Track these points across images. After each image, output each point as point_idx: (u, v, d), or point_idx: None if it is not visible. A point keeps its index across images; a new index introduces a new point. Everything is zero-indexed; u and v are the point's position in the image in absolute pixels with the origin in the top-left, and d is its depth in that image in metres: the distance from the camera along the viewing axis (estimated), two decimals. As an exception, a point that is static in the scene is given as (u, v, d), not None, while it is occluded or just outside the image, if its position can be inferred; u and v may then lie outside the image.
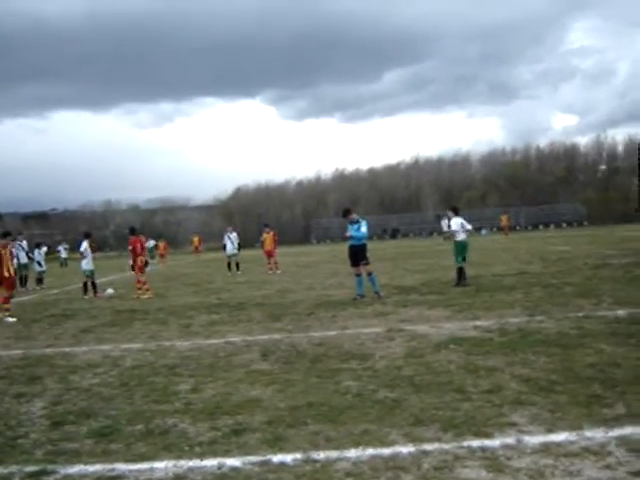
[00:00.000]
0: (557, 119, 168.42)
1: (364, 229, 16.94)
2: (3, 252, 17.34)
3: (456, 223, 18.68)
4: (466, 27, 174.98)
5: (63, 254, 52.50)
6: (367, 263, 16.89)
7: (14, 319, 16.57)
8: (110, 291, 21.91)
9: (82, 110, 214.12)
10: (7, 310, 17.11)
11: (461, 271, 18.23)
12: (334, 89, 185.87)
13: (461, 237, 18.52)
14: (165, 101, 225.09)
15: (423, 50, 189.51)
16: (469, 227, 18.87)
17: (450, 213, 19.92)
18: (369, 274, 16.84)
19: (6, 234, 18.25)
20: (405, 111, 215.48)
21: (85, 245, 23.63)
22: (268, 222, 37.27)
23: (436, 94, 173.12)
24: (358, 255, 16.90)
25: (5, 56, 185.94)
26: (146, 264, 22.87)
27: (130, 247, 22.30)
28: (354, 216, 17.17)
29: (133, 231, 23.08)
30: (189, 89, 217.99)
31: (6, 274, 17.32)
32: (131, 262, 22.53)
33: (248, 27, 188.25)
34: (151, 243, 61.01)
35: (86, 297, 22.23)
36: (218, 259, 43.42)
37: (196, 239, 60.09)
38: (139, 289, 21.46)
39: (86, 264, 23.16)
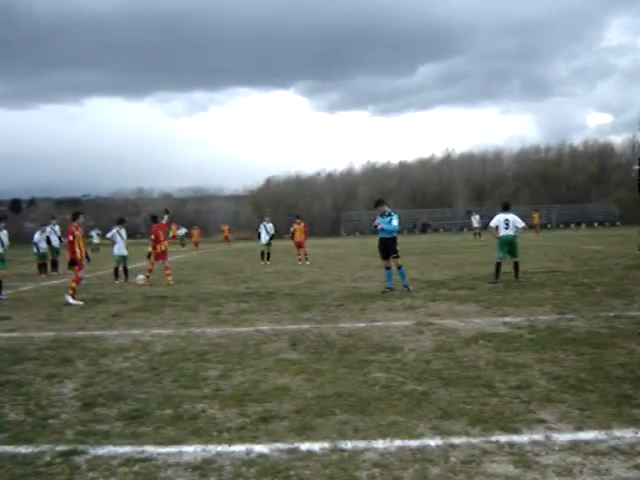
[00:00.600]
0: (592, 117, 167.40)
1: (395, 222, 16.86)
2: (77, 233, 17.54)
3: (497, 220, 18.53)
4: (502, 21, 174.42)
5: (95, 239, 52.90)
6: (397, 256, 16.84)
7: (80, 303, 16.62)
8: (141, 277, 22.03)
9: (116, 97, 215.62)
10: (73, 290, 17.14)
11: (498, 267, 18.10)
12: (368, 82, 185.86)
13: (503, 233, 18.31)
14: (199, 90, 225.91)
15: (458, 44, 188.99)
16: (520, 225, 18.56)
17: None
18: (399, 267, 16.80)
19: (76, 215, 18.17)
20: (438, 105, 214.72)
21: (113, 231, 23.89)
22: (299, 213, 37.23)
23: (470, 89, 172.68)
24: (389, 248, 16.85)
25: (41, 42, 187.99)
26: (149, 256, 22.87)
27: (152, 235, 22.26)
28: (386, 208, 17.07)
29: (154, 219, 23.00)
30: (224, 79, 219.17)
31: (78, 255, 17.53)
32: (150, 249, 22.59)
33: (284, 18, 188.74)
34: (182, 231, 61.68)
35: (117, 282, 22.44)
36: (247, 248, 43.64)
37: (226, 228, 60.37)
38: (168, 275, 21.50)
39: (117, 250, 23.40)
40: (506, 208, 18.89)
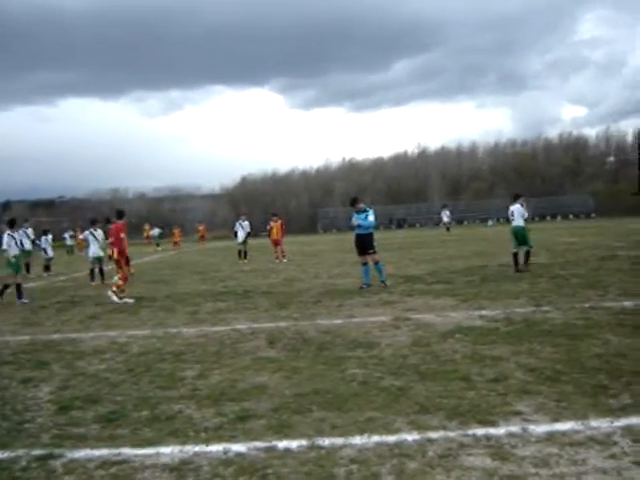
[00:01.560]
0: (566, 110, 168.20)
1: (371, 218, 16.89)
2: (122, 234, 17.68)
3: (509, 211, 19.00)
4: (477, 16, 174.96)
5: (69, 241, 52.48)
6: (374, 252, 16.86)
7: (130, 300, 16.62)
8: (116, 278, 21.85)
9: (91, 97, 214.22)
10: (119, 288, 17.18)
11: (514, 257, 18.26)
12: (343, 78, 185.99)
13: (513, 224, 18.62)
14: (175, 89, 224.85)
15: (433, 39, 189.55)
16: (523, 215, 18.95)
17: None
18: (376, 263, 16.82)
19: (122, 214, 18.33)
20: (414, 101, 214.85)
21: (86, 232, 23.75)
22: (275, 211, 37.17)
23: (446, 84, 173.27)
24: (365, 244, 16.86)
25: (14, 43, 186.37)
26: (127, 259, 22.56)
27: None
28: (361, 205, 17.11)
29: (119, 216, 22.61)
30: (199, 77, 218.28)
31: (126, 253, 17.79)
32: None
33: (258, 15, 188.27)
34: (156, 231, 61.54)
35: (93, 284, 22.25)
36: (224, 247, 43.50)
37: (202, 227, 60.25)
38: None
39: (92, 251, 23.18)
40: (515, 199, 19.50)
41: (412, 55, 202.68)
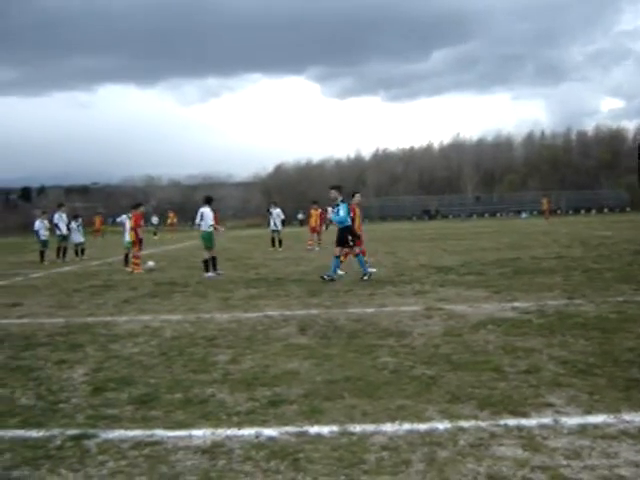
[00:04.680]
0: (605, 103, 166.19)
1: (341, 213, 16.78)
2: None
3: None
4: (517, 5, 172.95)
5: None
6: (349, 246, 16.80)
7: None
8: (151, 264, 22.07)
9: (128, 84, 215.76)
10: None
11: None
12: (380, 67, 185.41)
13: None
14: (211, 76, 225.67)
15: (473, 29, 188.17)
16: None
17: None
18: (355, 256, 16.88)
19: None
20: (451, 91, 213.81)
21: (123, 216, 24.06)
22: (311, 200, 37.19)
23: (483, 74, 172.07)
24: (339, 238, 16.82)
25: (54, 29, 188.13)
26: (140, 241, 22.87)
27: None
28: (336, 196, 17.09)
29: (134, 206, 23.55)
30: (236, 64, 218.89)
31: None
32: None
33: (297, 4, 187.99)
34: (154, 220, 61.93)
35: (127, 269, 22.50)
36: (256, 235, 43.62)
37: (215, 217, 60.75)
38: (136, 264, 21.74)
39: (127, 236, 23.41)
40: None
41: (451, 44, 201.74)
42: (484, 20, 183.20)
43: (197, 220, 20.06)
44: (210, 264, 19.19)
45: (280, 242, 30.68)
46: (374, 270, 17.54)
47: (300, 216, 70.64)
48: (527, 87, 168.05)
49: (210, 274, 18.89)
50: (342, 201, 17.03)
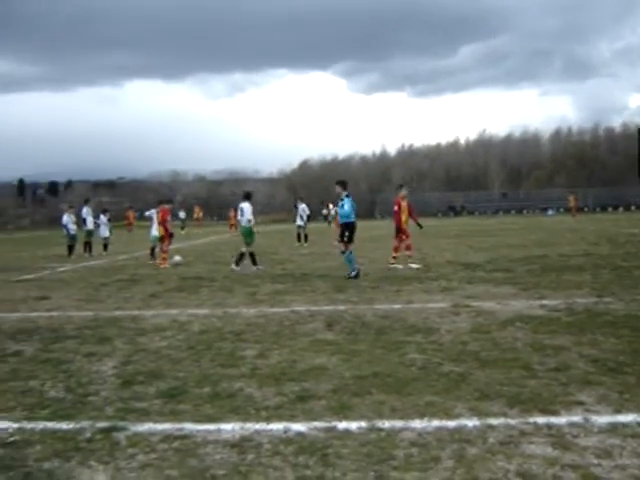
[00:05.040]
0: (633, 99, 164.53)
1: (346, 207, 16.85)
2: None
3: None
4: (546, 0, 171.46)
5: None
6: (345, 242, 16.79)
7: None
8: (177, 258, 22.20)
9: (155, 79, 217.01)
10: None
11: None
12: (407, 63, 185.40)
13: None
14: (238, 72, 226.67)
15: (501, 24, 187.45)
16: None
17: None
18: (342, 252, 16.93)
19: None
20: (478, 87, 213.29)
21: (152, 211, 24.27)
22: (334, 196, 37.22)
23: (511, 70, 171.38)
24: (342, 232, 16.93)
25: (82, 25, 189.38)
26: (170, 235, 23.02)
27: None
28: (338, 190, 17.23)
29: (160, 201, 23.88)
30: (262, 60, 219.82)
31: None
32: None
33: (323, 0, 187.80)
34: (181, 215, 62.22)
35: (156, 261, 22.74)
36: (281, 230, 43.64)
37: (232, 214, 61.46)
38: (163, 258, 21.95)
39: (154, 231, 23.63)
40: None
41: (478, 40, 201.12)
42: (512, 15, 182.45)
43: (238, 215, 20.22)
44: (245, 258, 19.22)
45: (306, 237, 30.73)
46: (417, 266, 17.64)
47: (325, 212, 70.71)
48: (555, 83, 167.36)
49: (236, 267, 18.96)
50: (347, 196, 17.06)
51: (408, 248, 18.56)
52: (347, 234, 16.73)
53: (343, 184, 17.41)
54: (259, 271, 18.48)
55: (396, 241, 18.74)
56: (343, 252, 16.87)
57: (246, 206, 19.53)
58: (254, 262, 19.20)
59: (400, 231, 18.61)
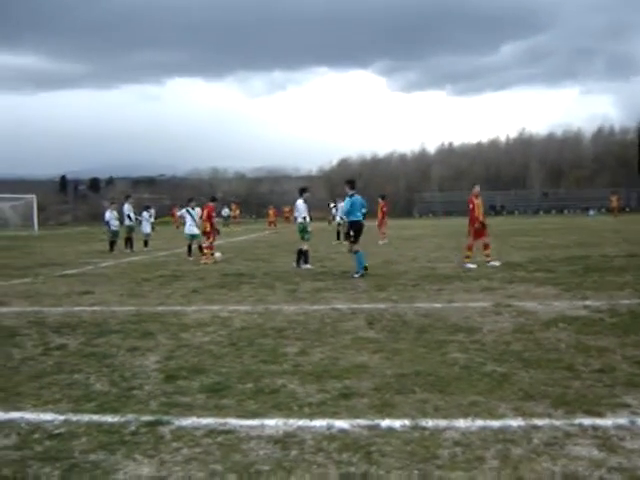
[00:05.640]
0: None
1: (346, 206, 17.27)
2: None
3: None
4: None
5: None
6: (350, 241, 17.17)
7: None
8: (218, 255, 22.37)
9: (196, 77, 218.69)
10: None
11: None
12: (447, 61, 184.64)
13: None
14: (278, 70, 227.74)
15: (543, 22, 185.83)
16: None
17: None
18: (355, 252, 17.03)
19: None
20: (519, 85, 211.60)
21: (183, 211, 25.02)
22: (373, 194, 37.41)
23: (552, 68, 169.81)
24: (347, 231, 17.28)
25: (124, 23, 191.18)
26: (217, 232, 23.27)
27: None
28: (346, 190, 17.49)
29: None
30: (302, 58, 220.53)
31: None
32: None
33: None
34: (225, 212, 62.67)
35: (190, 259, 23.10)
36: (321, 228, 43.62)
37: (287, 209, 61.85)
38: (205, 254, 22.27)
39: (187, 229, 24.27)
40: None
41: (520, 38, 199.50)
42: (555, 13, 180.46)
43: (294, 212, 20.34)
44: (301, 256, 19.19)
45: (346, 235, 30.69)
46: (474, 266, 17.48)
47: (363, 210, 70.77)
48: (597, 82, 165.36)
49: (295, 264, 19.00)
50: (351, 195, 17.17)
51: (486, 247, 18.33)
52: (352, 233, 16.95)
53: (351, 183, 17.66)
54: (302, 270, 18.44)
55: (470, 240, 18.37)
56: (350, 251, 17.08)
57: (299, 203, 19.55)
58: (299, 260, 19.14)
59: (476, 229, 18.28)
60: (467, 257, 18.10)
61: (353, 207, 17.04)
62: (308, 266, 18.84)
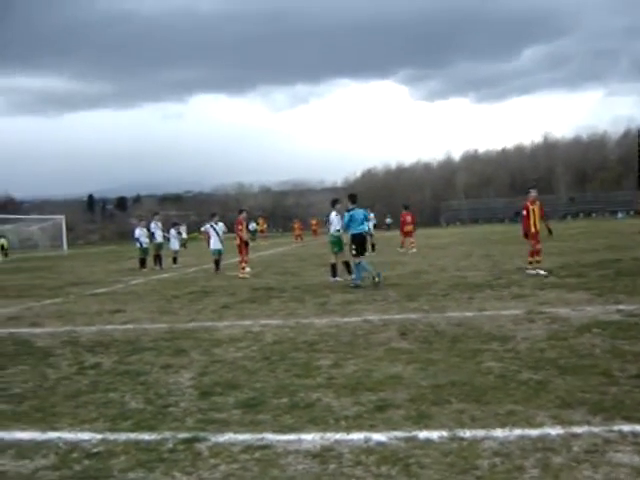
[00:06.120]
0: None
1: (344, 220, 17.81)
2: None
3: None
4: None
5: (184, 235, 53.76)
6: (353, 254, 17.45)
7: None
8: (248, 269, 22.48)
9: (219, 93, 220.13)
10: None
11: None
12: (469, 67, 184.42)
13: None
14: (300, 83, 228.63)
15: (564, 25, 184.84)
16: None
17: None
18: (357, 263, 17.44)
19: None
20: (542, 89, 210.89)
21: (207, 226, 25.83)
22: (399, 204, 37.70)
23: (575, 71, 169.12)
24: (350, 244, 17.61)
25: (145, 42, 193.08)
26: (246, 244, 23.28)
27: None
28: (348, 205, 17.93)
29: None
30: (324, 70, 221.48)
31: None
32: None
33: (383, 8, 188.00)
34: (252, 226, 62.92)
35: (217, 273, 23.57)
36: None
37: (314, 222, 61.81)
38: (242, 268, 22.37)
39: (213, 244, 24.78)
40: None
41: (541, 42, 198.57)
42: (576, 15, 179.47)
43: (327, 225, 20.45)
44: (336, 269, 19.02)
45: (373, 246, 30.71)
46: (543, 272, 17.19)
47: (388, 220, 70.70)
48: (621, 83, 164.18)
49: (335, 278, 18.77)
50: (351, 209, 17.55)
51: (536, 254, 18.06)
52: (354, 247, 17.23)
53: (352, 197, 18.19)
54: (336, 283, 18.40)
55: (534, 245, 18.12)
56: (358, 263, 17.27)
57: (332, 215, 19.54)
58: (334, 274, 18.99)
59: (530, 236, 18.10)
60: (537, 262, 17.78)
61: (352, 221, 17.36)
62: (338, 279, 18.73)
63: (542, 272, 17.30)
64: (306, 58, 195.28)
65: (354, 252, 17.18)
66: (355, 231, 17.29)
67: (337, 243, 19.12)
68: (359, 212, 17.52)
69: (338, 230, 18.94)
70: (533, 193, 18.46)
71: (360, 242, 17.27)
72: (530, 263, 17.87)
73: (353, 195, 18.32)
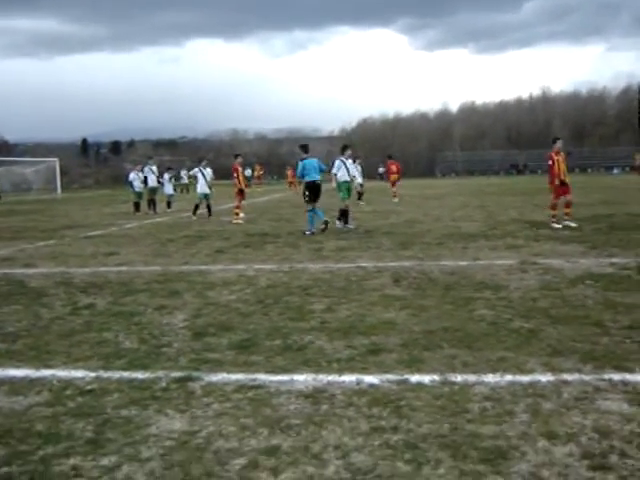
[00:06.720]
0: None
1: (298, 169, 18.72)
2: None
3: None
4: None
5: (184, 180, 53.44)
6: (305, 201, 18.23)
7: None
8: (241, 215, 22.49)
9: (216, 38, 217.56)
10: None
11: None
12: (470, 18, 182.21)
13: None
14: (299, 29, 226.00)
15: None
16: None
17: None
18: (306, 211, 18.11)
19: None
20: (542, 42, 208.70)
21: (196, 170, 25.74)
22: (392, 153, 37.95)
23: (577, 24, 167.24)
24: (303, 191, 18.51)
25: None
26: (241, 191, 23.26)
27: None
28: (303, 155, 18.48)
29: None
30: (323, 17, 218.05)
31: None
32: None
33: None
34: (248, 172, 62.60)
35: (194, 218, 23.97)
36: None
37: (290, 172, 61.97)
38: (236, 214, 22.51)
39: (199, 187, 25.11)
40: None
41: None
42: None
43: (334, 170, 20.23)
44: (347, 214, 19.13)
45: (360, 195, 30.63)
46: (559, 226, 16.90)
47: (381, 169, 70.45)
48: (623, 38, 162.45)
49: (347, 225, 18.83)
50: (302, 159, 18.18)
51: (568, 205, 17.70)
52: (307, 193, 17.83)
53: (304, 147, 18.75)
54: (345, 229, 18.46)
55: (553, 198, 17.79)
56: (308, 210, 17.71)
57: (337, 162, 19.68)
58: (346, 220, 19.05)
59: (557, 187, 17.68)
60: (553, 216, 17.39)
61: (305, 169, 17.93)
62: (350, 226, 18.81)
63: (572, 224, 16.98)
64: (305, 3, 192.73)
65: (307, 199, 17.76)
66: (309, 179, 17.85)
67: (339, 189, 19.22)
68: (312, 161, 18.00)
69: (353, 176, 19.45)
70: (559, 144, 18.12)
71: (313, 190, 17.81)
72: (554, 217, 17.43)
73: (304, 145, 18.85)
